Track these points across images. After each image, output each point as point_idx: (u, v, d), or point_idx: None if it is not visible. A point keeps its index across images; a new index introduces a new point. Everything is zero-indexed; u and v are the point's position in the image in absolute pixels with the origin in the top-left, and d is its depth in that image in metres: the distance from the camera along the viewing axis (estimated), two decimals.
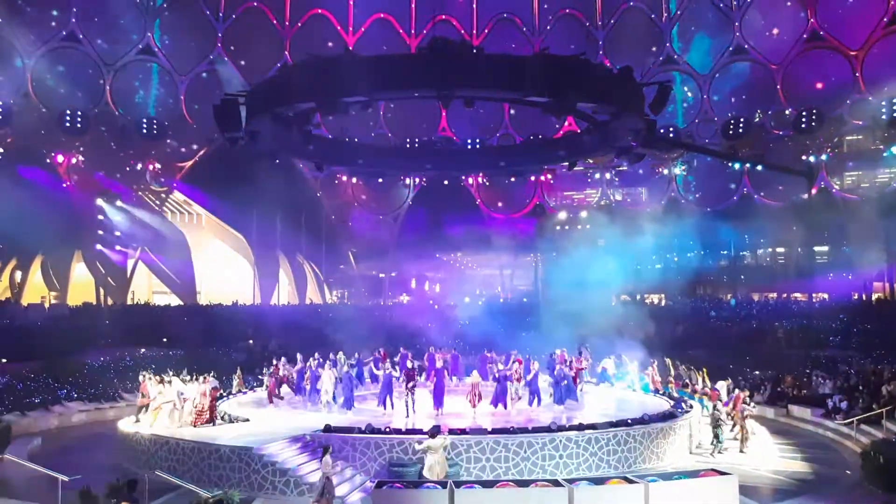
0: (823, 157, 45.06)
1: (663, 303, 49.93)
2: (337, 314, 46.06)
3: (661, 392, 24.32)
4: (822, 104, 44.84)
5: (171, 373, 21.18)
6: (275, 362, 24.44)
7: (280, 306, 50.08)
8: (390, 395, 21.49)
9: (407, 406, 19.69)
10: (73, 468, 16.22)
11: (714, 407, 20.35)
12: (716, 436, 19.74)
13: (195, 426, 18.73)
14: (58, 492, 14.97)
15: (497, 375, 22.72)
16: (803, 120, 44.43)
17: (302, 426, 18.81)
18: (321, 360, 23.51)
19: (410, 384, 20.18)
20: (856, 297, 43.42)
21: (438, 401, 20.89)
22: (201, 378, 20.34)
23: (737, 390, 22.55)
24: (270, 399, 23.29)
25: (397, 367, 23.68)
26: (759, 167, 46.02)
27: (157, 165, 49.49)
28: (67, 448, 21.01)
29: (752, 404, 21.28)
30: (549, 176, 52.52)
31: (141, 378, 20.43)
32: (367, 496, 15.09)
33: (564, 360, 25.21)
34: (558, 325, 34.64)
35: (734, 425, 20.81)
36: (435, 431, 15.72)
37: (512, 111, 52.16)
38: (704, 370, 25.78)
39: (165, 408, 19.05)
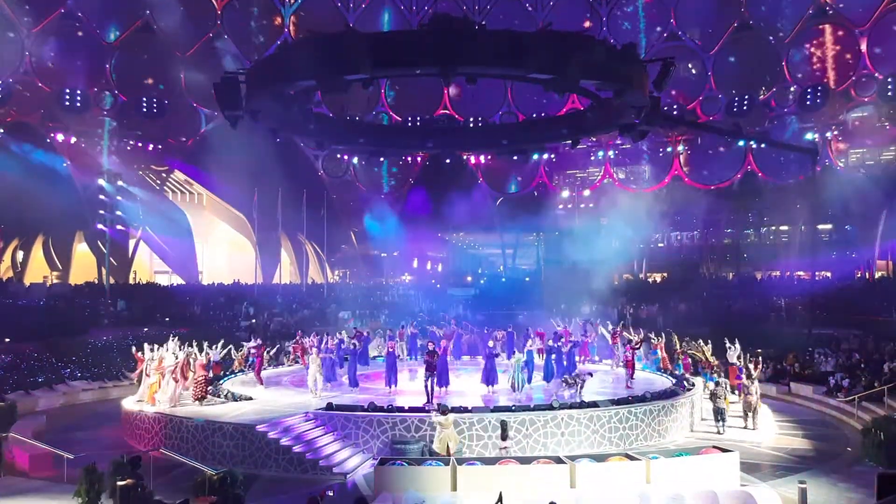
0: (828, 134, 44.79)
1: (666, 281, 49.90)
2: (339, 293, 46.27)
3: (668, 370, 24.30)
4: (827, 81, 44.50)
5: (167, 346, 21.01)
6: (247, 344, 24.31)
7: (282, 285, 50.15)
8: (395, 373, 21.52)
9: (427, 390, 19.43)
10: (78, 446, 16.39)
11: (716, 383, 20.34)
12: (720, 411, 19.75)
13: (195, 400, 18.91)
14: (63, 469, 15.12)
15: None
16: (808, 97, 44.11)
17: (305, 404, 18.89)
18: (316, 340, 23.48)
19: (432, 368, 19.46)
20: (859, 275, 43.40)
21: (444, 379, 20.85)
22: (204, 352, 20.38)
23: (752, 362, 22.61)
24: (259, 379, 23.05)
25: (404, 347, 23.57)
26: (763, 145, 45.75)
27: (158, 144, 49.39)
28: (72, 426, 21.11)
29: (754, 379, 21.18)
30: (552, 154, 52.30)
31: (140, 353, 20.51)
32: (370, 473, 15.17)
33: (567, 334, 25.28)
34: (560, 302, 34.78)
35: (748, 405, 20.71)
36: (445, 409, 15.79)
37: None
38: (705, 347, 25.78)
39: (164, 384, 19.06)
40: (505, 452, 15.50)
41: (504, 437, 15.70)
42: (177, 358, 19.32)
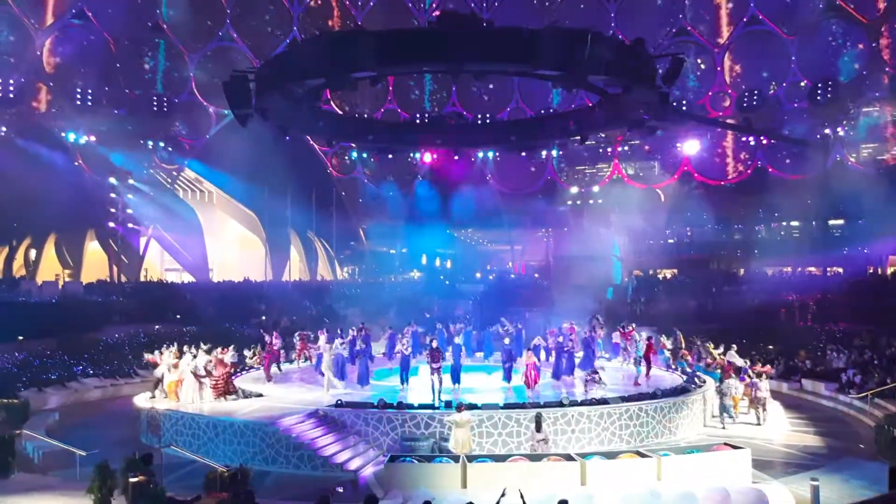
0: (839, 129, 44.43)
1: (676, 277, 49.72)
2: (348, 290, 46.37)
3: (674, 367, 24.25)
4: (838, 75, 44.15)
5: (185, 348, 21.23)
6: (267, 339, 24.25)
7: (291, 282, 50.32)
8: (407, 371, 21.55)
9: (433, 388, 19.50)
10: (90, 443, 16.46)
11: (722, 380, 20.31)
12: (725, 407, 19.73)
13: (215, 398, 19.03)
14: (76, 466, 15.22)
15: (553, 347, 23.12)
16: (819, 92, 43.77)
17: (315, 401, 18.95)
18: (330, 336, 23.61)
19: (436, 365, 19.41)
20: (871, 270, 43.09)
21: (456, 376, 20.89)
22: (218, 349, 20.46)
23: (749, 363, 22.60)
24: (268, 377, 23.28)
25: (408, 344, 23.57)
26: (774, 140, 45.45)
27: (169, 143, 49.61)
28: (84, 423, 21.21)
29: (763, 377, 21.12)
30: (561, 151, 52.11)
31: (157, 353, 20.66)
32: (380, 470, 15.19)
33: (574, 332, 25.22)
34: (569, 299, 34.70)
35: (752, 401, 20.73)
36: (461, 406, 15.81)
37: None
38: (711, 344, 25.71)
39: (186, 383, 19.18)
40: (543, 444, 15.52)
41: (539, 429, 15.71)
42: (194, 359, 19.43)
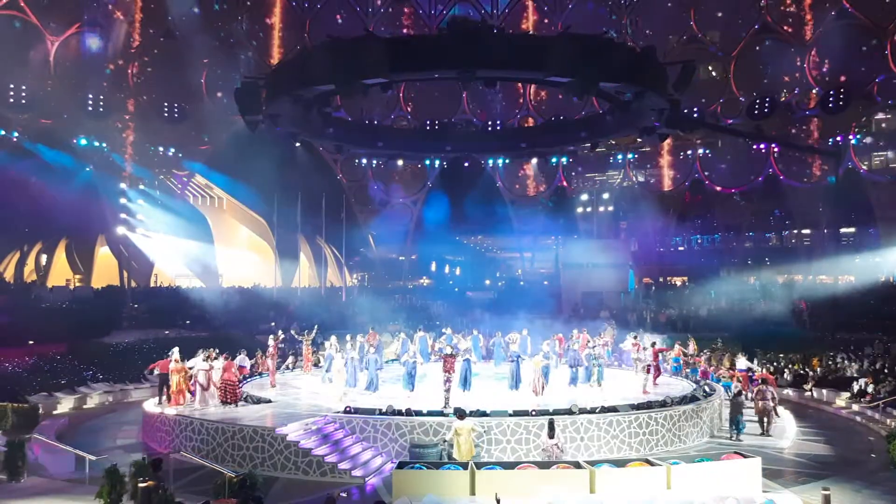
0: (851, 137, 44.18)
1: (687, 285, 49.51)
2: (357, 297, 46.39)
3: (686, 375, 24.14)
4: (850, 83, 43.89)
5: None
6: (271, 342, 24.11)
7: (301, 289, 50.37)
8: (414, 378, 21.49)
9: (445, 394, 19.36)
10: (100, 448, 16.52)
11: (738, 391, 20.17)
12: (736, 421, 19.53)
13: (222, 403, 19.05)
14: (85, 471, 15.25)
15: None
16: (831, 99, 43.52)
17: (324, 407, 18.93)
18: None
19: (451, 371, 19.37)
20: (882, 279, 42.78)
21: (466, 383, 20.81)
22: (223, 356, 20.44)
23: (763, 370, 22.46)
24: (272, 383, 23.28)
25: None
26: (785, 147, 45.26)
27: (179, 149, 49.88)
28: (93, 428, 21.28)
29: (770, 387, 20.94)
30: (571, 157, 52.09)
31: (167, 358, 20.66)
32: (388, 477, 15.15)
33: (586, 341, 25.11)
34: (579, 306, 34.58)
35: (764, 411, 20.50)
36: (463, 413, 15.76)
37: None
38: (728, 353, 25.60)
39: (192, 385, 19.18)
40: (556, 449, 15.45)
41: (551, 435, 15.64)
42: (210, 366, 19.42)
